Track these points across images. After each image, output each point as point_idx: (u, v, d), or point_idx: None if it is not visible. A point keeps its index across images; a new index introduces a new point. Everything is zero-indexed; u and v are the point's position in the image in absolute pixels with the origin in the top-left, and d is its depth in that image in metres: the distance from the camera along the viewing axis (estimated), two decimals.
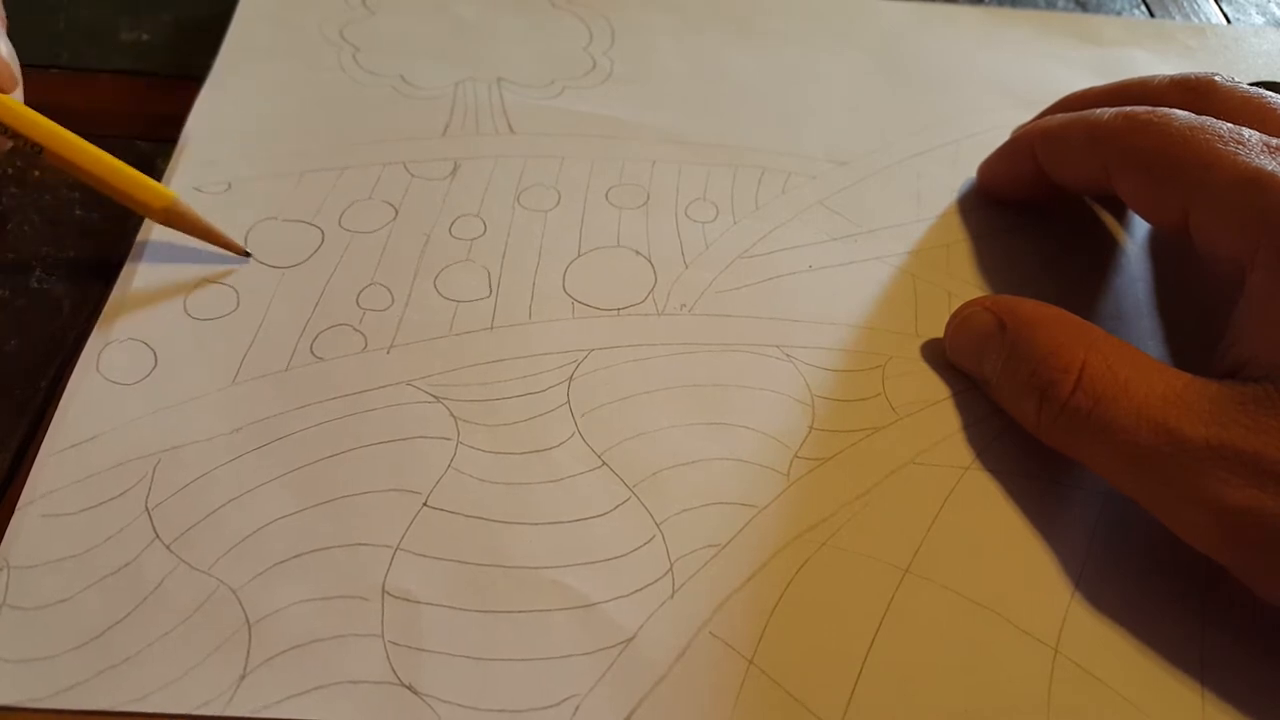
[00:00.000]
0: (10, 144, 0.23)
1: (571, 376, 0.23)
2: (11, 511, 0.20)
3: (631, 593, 0.20)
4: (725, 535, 0.21)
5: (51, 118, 0.23)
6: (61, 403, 0.22)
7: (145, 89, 0.30)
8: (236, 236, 0.25)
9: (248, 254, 0.25)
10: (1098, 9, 0.37)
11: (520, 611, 0.19)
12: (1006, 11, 0.36)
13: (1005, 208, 0.28)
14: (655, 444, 0.22)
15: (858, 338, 0.25)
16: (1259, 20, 0.38)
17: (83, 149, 0.24)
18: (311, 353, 0.23)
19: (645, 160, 0.29)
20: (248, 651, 0.18)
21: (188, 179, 0.27)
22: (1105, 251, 0.28)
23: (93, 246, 0.26)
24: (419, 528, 0.20)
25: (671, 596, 0.20)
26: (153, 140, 0.28)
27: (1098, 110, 0.24)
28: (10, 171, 0.27)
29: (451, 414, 0.22)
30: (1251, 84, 0.24)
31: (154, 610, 0.19)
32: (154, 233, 0.25)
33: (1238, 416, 0.18)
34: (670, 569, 0.20)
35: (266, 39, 0.32)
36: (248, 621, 0.19)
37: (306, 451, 0.21)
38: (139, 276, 0.24)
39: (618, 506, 0.21)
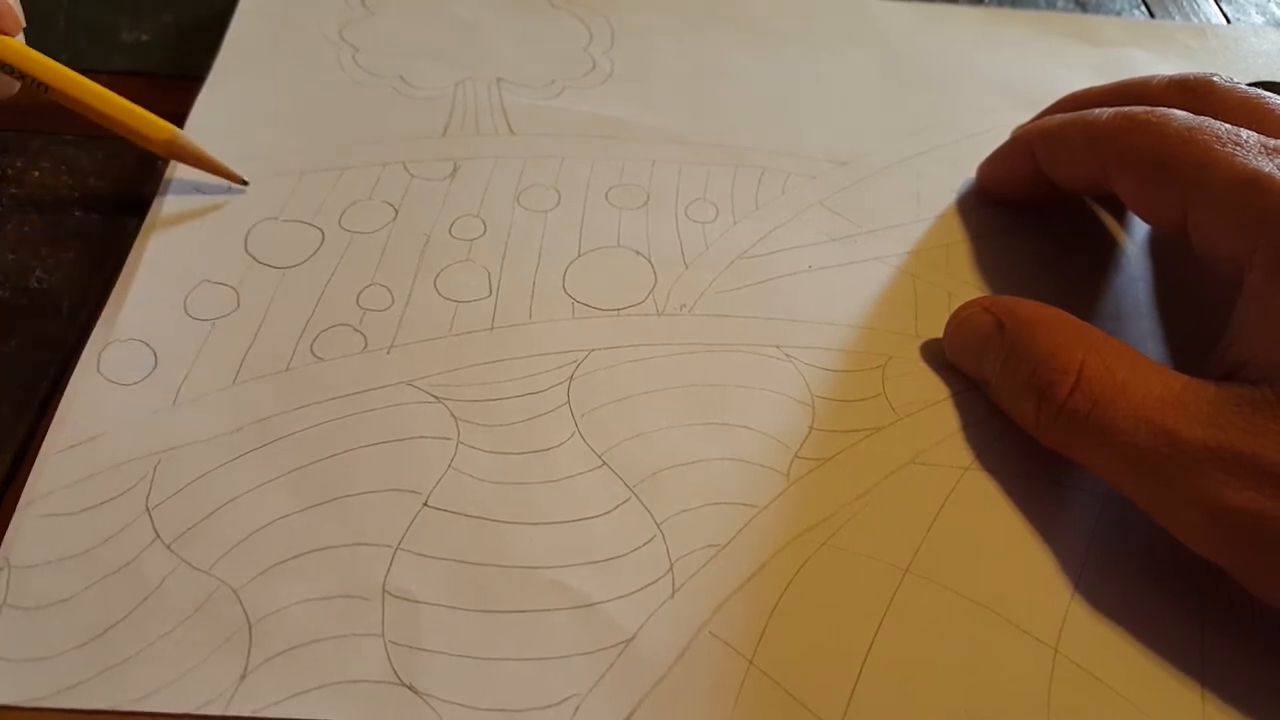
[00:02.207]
0: (18, 85, 0.25)
1: (571, 377, 0.23)
2: (12, 512, 0.20)
3: (631, 593, 0.20)
4: (725, 535, 0.21)
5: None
6: (62, 403, 0.22)
7: (145, 89, 0.30)
8: (237, 238, 0.25)
9: (245, 182, 0.26)
10: (1098, 9, 0.37)
11: (520, 611, 0.19)
12: (1006, 11, 0.36)
13: (1005, 208, 0.28)
14: (655, 444, 0.22)
15: (858, 338, 0.25)
16: (1259, 20, 0.38)
17: (88, 87, 0.25)
18: (312, 353, 0.23)
19: (645, 160, 0.29)
20: (248, 651, 0.18)
21: (188, 181, 0.27)
22: (1105, 251, 0.28)
23: (93, 246, 0.26)
24: (419, 528, 0.20)
25: (671, 596, 0.20)
26: None
27: (1096, 110, 0.24)
28: (10, 172, 0.27)
29: (451, 414, 0.22)
30: (1251, 84, 0.24)
31: (154, 610, 0.19)
32: (154, 235, 0.25)
33: (1235, 419, 0.18)
34: (670, 569, 0.20)
35: (266, 39, 0.32)
36: (248, 621, 0.19)
37: (307, 451, 0.21)
38: (139, 277, 0.24)
39: (618, 506, 0.21)
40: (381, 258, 0.26)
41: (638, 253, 0.26)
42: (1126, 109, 0.23)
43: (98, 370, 0.22)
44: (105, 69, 0.31)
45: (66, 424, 0.21)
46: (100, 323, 0.23)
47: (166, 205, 0.26)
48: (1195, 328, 0.25)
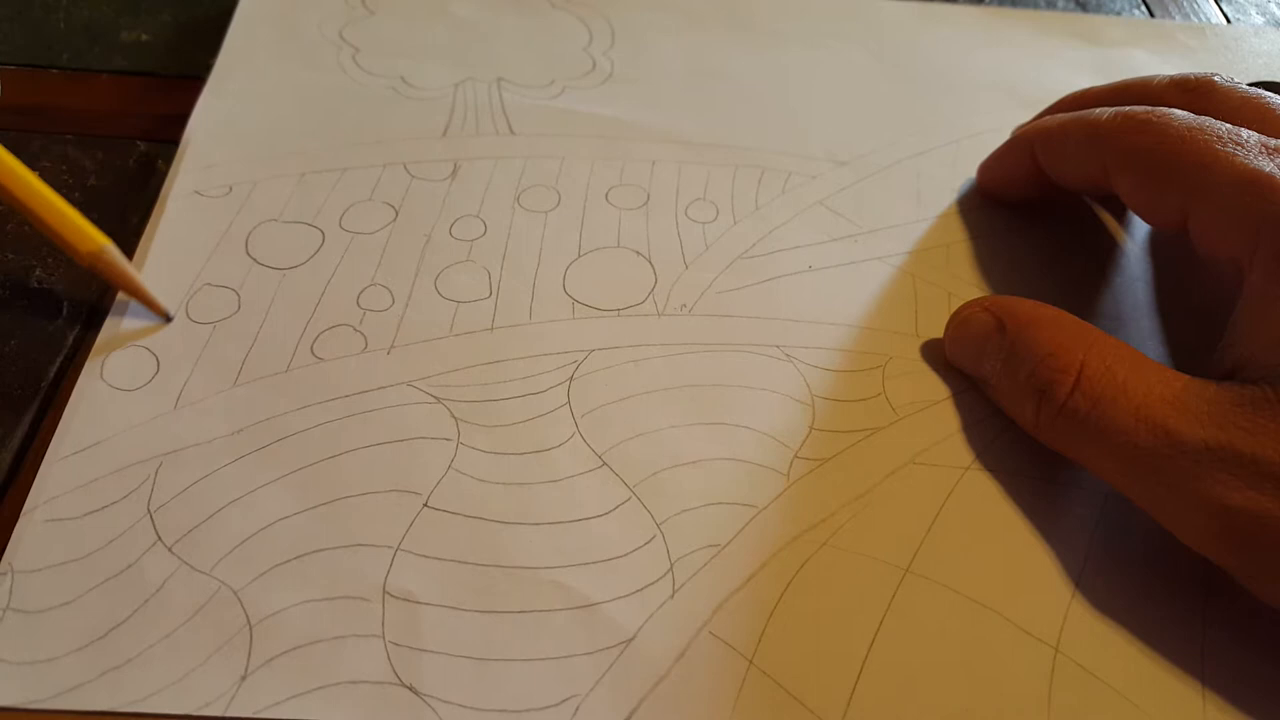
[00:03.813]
0: None
1: (572, 377, 0.23)
2: (12, 512, 0.20)
3: (632, 593, 0.20)
4: (725, 535, 0.21)
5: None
6: (66, 410, 0.22)
7: (145, 89, 0.30)
8: (238, 240, 0.25)
9: (169, 317, 0.23)
10: (1098, 9, 0.37)
11: (520, 611, 0.19)
12: (1006, 11, 0.36)
13: (1005, 208, 0.28)
14: (655, 444, 0.22)
15: (858, 338, 0.25)
16: (1259, 20, 0.38)
17: (20, 178, 0.22)
18: (312, 354, 0.23)
19: (645, 160, 0.29)
20: (249, 652, 0.18)
21: (189, 184, 0.27)
22: (1105, 251, 0.28)
23: None
24: (419, 528, 0.20)
25: (671, 596, 0.20)
26: (153, 141, 0.28)
27: (1097, 110, 0.24)
28: None
29: (452, 414, 0.22)
30: (1251, 84, 0.24)
31: (156, 612, 0.19)
32: (155, 240, 0.25)
33: (1236, 418, 0.18)
34: (670, 569, 0.20)
35: (266, 40, 0.32)
36: (249, 622, 0.19)
37: (307, 452, 0.21)
38: (141, 282, 0.24)
39: (618, 507, 0.21)
40: (382, 258, 0.26)
41: (638, 253, 0.26)
42: (1127, 109, 0.23)
43: (100, 377, 0.22)
44: (105, 69, 0.31)
45: (70, 431, 0.21)
46: (104, 330, 0.23)
47: (168, 210, 0.26)
48: (1195, 328, 0.25)
